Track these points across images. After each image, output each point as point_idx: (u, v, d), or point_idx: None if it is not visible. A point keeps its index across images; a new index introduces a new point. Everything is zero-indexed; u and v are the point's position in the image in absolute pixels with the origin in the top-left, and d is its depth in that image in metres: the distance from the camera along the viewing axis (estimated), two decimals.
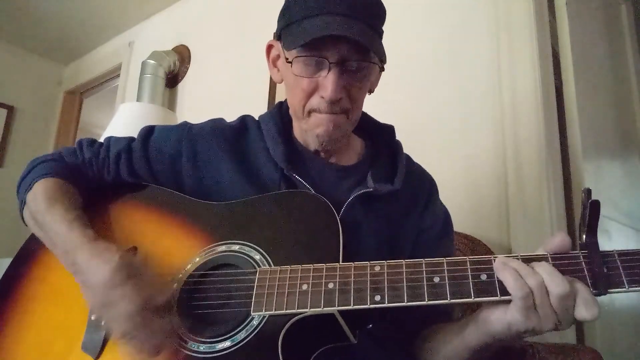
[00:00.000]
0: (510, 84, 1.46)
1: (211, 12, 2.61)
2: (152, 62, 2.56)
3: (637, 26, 2.22)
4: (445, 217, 0.92)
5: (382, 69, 0.82)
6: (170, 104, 2.66)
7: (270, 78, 2.17)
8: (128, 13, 2.94)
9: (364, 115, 0.90)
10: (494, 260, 0.61)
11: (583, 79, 1.60)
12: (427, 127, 1.61)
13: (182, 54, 2.67)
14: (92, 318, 0.73)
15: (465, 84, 1.57)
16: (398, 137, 0.94)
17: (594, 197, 0.60)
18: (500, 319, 0.60)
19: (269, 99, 2.14)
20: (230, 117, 0.94)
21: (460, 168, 1.50)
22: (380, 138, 0.93)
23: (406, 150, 0.95)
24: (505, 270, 0.58)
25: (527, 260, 0.60)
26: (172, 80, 2.66)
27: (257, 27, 2.25)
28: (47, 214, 0.75)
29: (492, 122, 1.48)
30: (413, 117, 1.64)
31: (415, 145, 1.40)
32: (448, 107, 1.59)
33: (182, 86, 2.66)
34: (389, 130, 0.93)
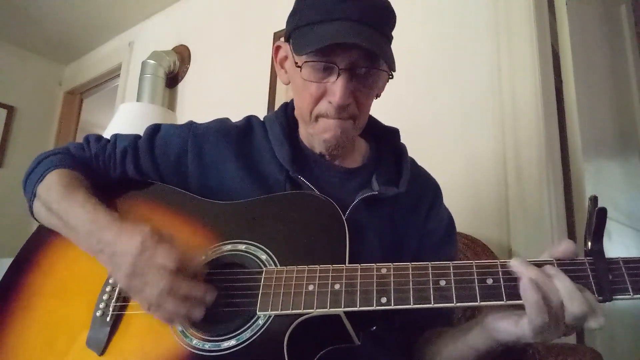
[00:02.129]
0: (510, 84, 1.46)
1: (211, 12, 2.61)
2: (152, 62, 2.56)
3: (637, 26, 2.22)
4: (449, 221, 0.92)
5: (391, 76, 0.82)
6: (170, 104, 2.66)
7: (270, 78, 2.18)
8: (128, 13, 2.94)
9: (369, 117, 0.90)
10: (500, 266, 0.61)
11: (583, 79, 1.60)
12: (427, 127, 1.61)
13: (182, 54, 2.67)
14: (98, 315, 0.73)
15: (465, 84, 1.57)
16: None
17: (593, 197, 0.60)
18: (509, 331, 0.60)
19: (269, 99, 2.14)
20: (231, 117, 0.94)
21: (460, 168, 1.51)
22: (385, 141, 0.93)
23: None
24: (533, 292, 0.56)
25: (539, 266, 0.60)
26: (172, 80, 2.66)
27: (257, 27, 2.25)
28: (65, 200, 0.75)
29: (492, 123, 1.48)
30: (413, 118, 1.64)
31: (415, 145, 1.40)
32: (448, 107, 1.59)
33: (182, 86, 2.66)
34: (394, 133, 0.93)
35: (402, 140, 0.93)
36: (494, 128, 1.47)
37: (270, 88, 2.14)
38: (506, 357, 0.86)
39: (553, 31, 1.59)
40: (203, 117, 0.94)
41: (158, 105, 2.50)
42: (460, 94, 1.57)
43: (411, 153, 0.95)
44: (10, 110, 3.27)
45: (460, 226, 1.31)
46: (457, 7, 1.65)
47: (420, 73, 1.69)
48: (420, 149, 1.53)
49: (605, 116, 1.82)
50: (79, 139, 0.90)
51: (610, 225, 1.60)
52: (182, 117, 2.56)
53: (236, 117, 0.94)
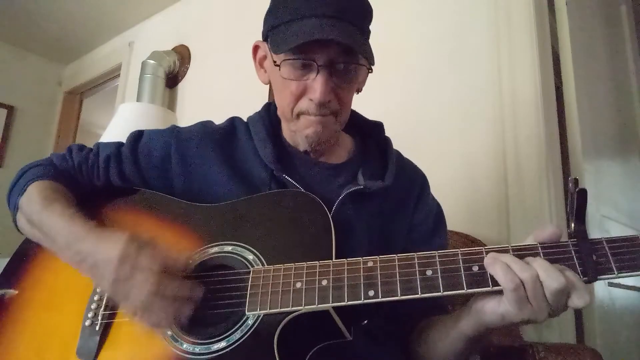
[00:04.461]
0: (510, 84, 1.46)
1: (211, 12, 2.61)
2: (152, 62, 2.56)
3: (637, 26, 2.22)
4: (437, 211, 0.92)
5: (370, 70, 0.82)
6: (170, 104, 2.66)
7: (259, 79, 2.18)
8: (128, 13, 2.94)
9: (353, 112, 0.90)
10: (485, 253, 0.62)
11: (583, 79, 1.60)
12: (427, 126, 1.61)
13: (182, 54, 2.67)
14: (87, 324, 0.73)
15: (465, 84, 1.57)
16: (398, 136, 0.94)
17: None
18: (494, 310, 0.61)
19: (269, 99, 2.14)
20: (231, 116, 0.94)
21: (460, 168, 1.50)
22: (369, 135, 0.93)
23: (406, 149, 0.95)
24: (495, 264, 0.59)
25: (519, 250, 0.61)
26: (172, 80, 2.66)
27: (257, 27, 2.24)
28: (45, 212, 0.75)
29: (492, 122, 1.48)
30: (413, 117, 1.64)
31: (415, 144, 1.40)
32: (448, 107, 1.59)
33: (182, 86, 2.66)
34: (378, 126, 0.93)
35: (402, 138, 0.93)
36: (494, 128, 1.47)
37: (270, 88, 2.15)
38: (506, 358, 0.86)
39: (553, 31, 1.59)
40: (203, 117, 0.94)
41: (158, 105, 2.50)
42: (460, 93, 1.57)
43: (411, 152, 0.95)
44: (10, 110, 3.27)
45: (460, 226, 1.31)
46: (457, 7, 1.65)
47: (420, 72, 1.68)
48: (420, 148, 1.52)
49: (605, 116, 1.82)
50: (79, 139, 0.91)
51: (610, 225, 1.60)
52: (182, 117, 2.56)
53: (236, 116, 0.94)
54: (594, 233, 1.45)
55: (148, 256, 0.65)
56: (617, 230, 1.63)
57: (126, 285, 0.65)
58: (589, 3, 1.85)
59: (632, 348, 1.65)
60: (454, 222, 0.96)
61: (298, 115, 0.79)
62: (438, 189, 0.95)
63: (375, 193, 0.82)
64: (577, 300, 0.57)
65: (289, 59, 0.75)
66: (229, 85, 2.36)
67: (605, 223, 1.56)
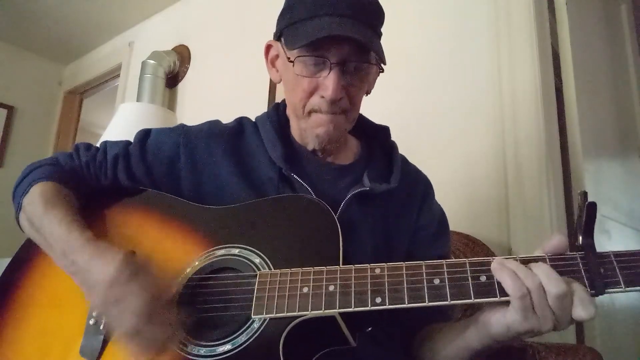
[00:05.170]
0: (510, 84, 1.46)
1: (211, 12, 2.61)
2: (152, 62, 2.56)
3: (637, 26, 2.22)
4: (441, 216, 0.92)
5: (382, 70, 0.82)
6: (170, 104, 2.66)
7: (270, 78, 2.18)
8: (128, 13, 2.94)
9: (360, 116, 0.91)
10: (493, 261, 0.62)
11: (583, 79, 1.60)
12: (427, 126, 1.62)
13: (182, 54, 2.67)
14: (91, 323, 0.72)
15: (465, 84, 1.57)
16: (398, 137, 0.94)
17: (594, 197, 0.61)
18: (500, 321, 0.61)
19: (269, 99, 2.14)
20: (230, 117, 0.94)
21: (460, 168, 1.51)
22: (375, 138, 0.93)
23: (406, 149, 0.95)
24: (502, 271, 0.59)
25: (525, 262, 0.61)
26: (172, 80, 2.66)
27: (257, 27, 2.25)
28: (45, 216, 0.74)
29: (492, 122, 1.48)
30: (413, 117, 1.65)
31: (415, 145, 1.40)
32: (448, 106, 1.59)
33: (182, 86, 2.66)
34: (384, 130, 0.94)
35: (403, 139, 0.94)
36: (494, 128, 1.47)
37: (270, 88, 2.15)
38: (506, 358, 0.86)
39: (553, 31, 1.60)
40: (203, 117, 0.94)
41: (158, 105, 2.50)
42: (460, 93, 1.57)
43: (411, 152, 0.95)
44: (10, 110, 3.27)
45: (460, 226, 1.31)
46: (457, 7, 1.65)
47: (420, 72, 1.69)
48: (420, 148, 1.53)
49: (605, 116, 1.82)
50: (79, 139, 0.91)
51: (610, 225, 1.60)
52: (182, 117, 2.56)
53: (236, 117, 0.94)
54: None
55: (138, 283, 0.64)
56: (617, 230, 1.63)
57: (115, 310, 0.64)
58: (589, 3, 1.85)
59: (632, 348, 1.65)
60: (454, 222, 0.96)
61: (309, 113, 0.80)
62: (438, 189, 0.95)
63: (380, 195, 0.82)
64: (582, 312, 0.57)
65: (303, 56, 0.76)
66: (229, 85, 2.37)
67: (605, 223, 1.56)
